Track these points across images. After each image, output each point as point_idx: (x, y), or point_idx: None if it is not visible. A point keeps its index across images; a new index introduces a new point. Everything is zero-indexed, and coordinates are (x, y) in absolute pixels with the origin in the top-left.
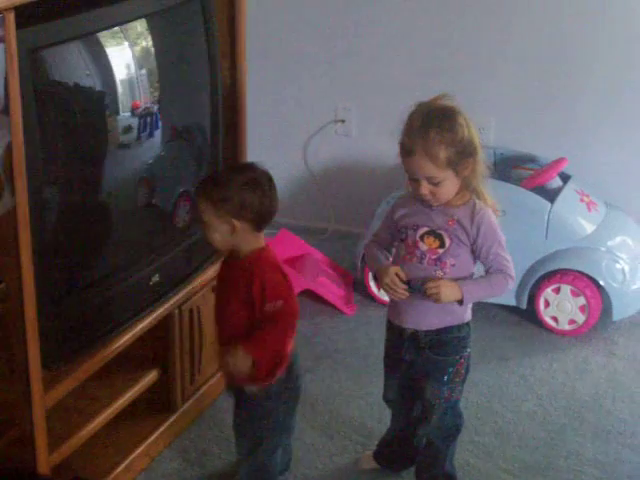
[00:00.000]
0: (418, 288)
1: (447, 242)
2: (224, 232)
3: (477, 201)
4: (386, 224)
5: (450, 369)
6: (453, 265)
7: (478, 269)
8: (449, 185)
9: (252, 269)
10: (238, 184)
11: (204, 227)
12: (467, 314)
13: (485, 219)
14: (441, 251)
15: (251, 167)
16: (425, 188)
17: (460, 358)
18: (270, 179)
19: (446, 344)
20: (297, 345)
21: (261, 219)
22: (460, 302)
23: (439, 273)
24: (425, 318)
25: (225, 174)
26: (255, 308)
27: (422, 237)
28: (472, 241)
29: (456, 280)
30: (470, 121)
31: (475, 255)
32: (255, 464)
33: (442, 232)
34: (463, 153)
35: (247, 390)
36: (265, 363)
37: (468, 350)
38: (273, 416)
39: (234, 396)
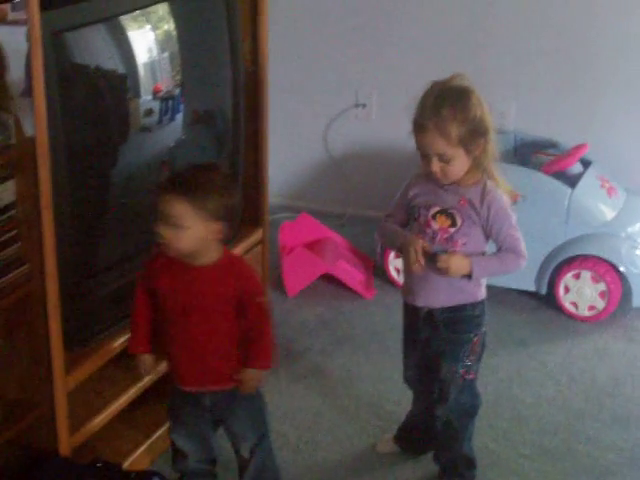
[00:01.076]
0: (430, 258)
1: (459, 221)
2: (197, 235)
3: (488, 182)
4: (400, 203)
5: (465, 347)
6: (464, 244)
7: (490, 248)
8: (459, 163)
9: (236, 268)
10: (218, 185)
11: (168, 229)
12: (480, 292)
13: (495, 199)
14: (452, 230)
15: (217, 167)
16: (436, 165)
17: (475, 336)
18: (234, 180)
19: (461, 322)
20: (317, 329)
21: (235, 222)
22: (469, 276)
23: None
24: (436, 296)
25: (200, 174)
26: (238, 308)
27: (434, 216)
28: (483, 221)
29: (467, 256)
30: (484, 101)
31: (486, 234)
32: (264, 455)
33: (454, 211)
34: (475, 132)
35: (244, 389)
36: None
37: (483, 329)
38: (265, 401)
39: (217, 405)
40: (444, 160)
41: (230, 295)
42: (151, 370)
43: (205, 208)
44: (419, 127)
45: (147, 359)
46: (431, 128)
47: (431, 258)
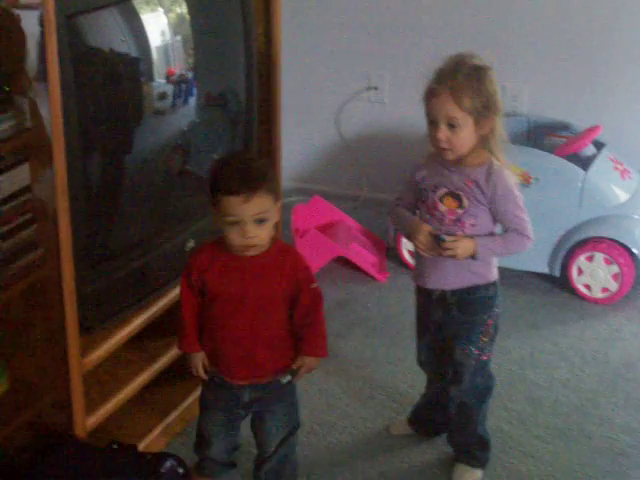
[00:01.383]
0: (437, 242)
1: (466, 202)
2: (273, 224)
3: (494, 161)
4: (408, 187)
5: (478, 328)
6: (473, 225)
7: (500, 229)
8: (466, 134)
9: (289, 256)
10: (267, 167)
11: (256, 226)
12: (492, 273)
13: (501, 179)
14: (460, 211)
15: (246, 153)
16: (443, 132)
17: (488, 317)
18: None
19: (473, 303)
20: (330, 311)
21: None
22: (473, 257)
23: (459, 233)
24: (447, 278)
25: (254, 163)
26: (292, 297)
27: (441, 198)
28: (489, 201)
29: (472, 237)
30: (497, 82)
31: (493, 215)
32: (288, 450)
33: (460, 193)
34: (486, 107)
35: (283, 380)
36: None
37: (496, 310)
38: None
39: (255, 401)
40: (452, 126)
41: (285, 283)
42: (203, 370)
43: (276, 193)
44: (432, 92)
45: (200, 357)
46: (444, 91)
47: (438, 241)
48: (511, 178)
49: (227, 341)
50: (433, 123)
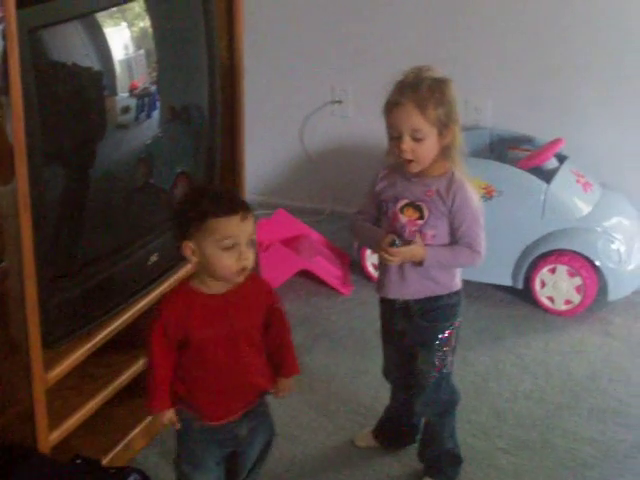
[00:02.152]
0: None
1: (426, 213)
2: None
3: (456, 172)
4: (369, 198)
5: (439, 335)
6: (434, 236)
7: None
8: (430, 145)
9: (256, 280)
10: None
11: (250, 249)
12: (454, 283)
13: (461, 190)
14: (421, 222)
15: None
16: (407, 144)
17: (450, 326)
18: None
19: (435, 311)
20: (294, 325)
21: None
22: (420, 263)
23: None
24: (410, 287)
25: (228, 188)
26: (266, 321)
27: (402, 209)
28: (449, 211)
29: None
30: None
31: (451, 226)
32: (258, 475)
33: (421, 203)
34: (449, 117)
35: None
36: None
37: (459, 319)
38: None
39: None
40: (416, 138)
41: (261, 309)
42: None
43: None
44: (394, 103)
45: (172, 412)
46: (409, 103)
47: (391, 246)
48: (471, 189)
49: (222, 381)
50: (396, 135)
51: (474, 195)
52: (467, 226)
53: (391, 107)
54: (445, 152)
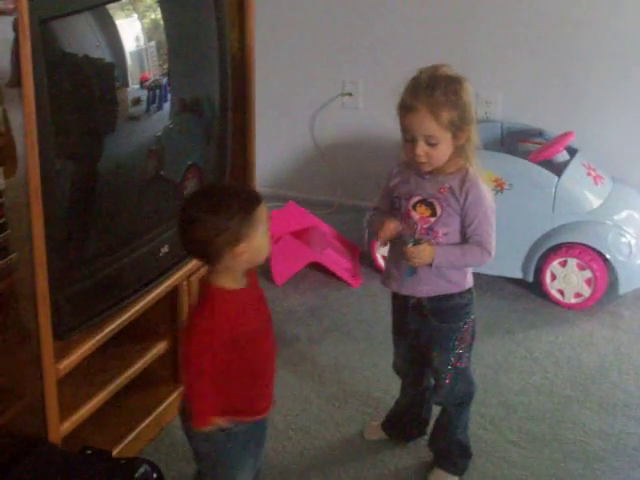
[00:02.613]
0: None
1: (438, 211)
2: None
3: (470, 169)
4: (383, 194)
5: (454, 336)
6: (445, 234)
7: None
8: (444, 148)
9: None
10: None
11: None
12: (466, 281)
13: (475, 187)
14: (433, 220)
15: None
16: (421, 149)
17: (464, 324)
18: None
19: (449, 311)
20: (305, 317)
21: None
22: (430, 264)
23: (432, 242)
24: (422, 285)
25: (228, 183)
26: None
27: (414, 206)
28: (462, 208)
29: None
30: (471, 91)
31: (462, 224)
32: None
33: (433, 200)
34: (463, 118)
35: None
36: None
37: (472, 316)
38: None
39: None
40: (431, 143)
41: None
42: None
43: None
44: (409, 108)
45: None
46: (422, 109)
47: (403, 244)
48: (485, 187)
49: (270, 368)
50: (410, 138)
51: (487, 194)
52: (478, 223)
53: (405, 111)
54: (459, 150)
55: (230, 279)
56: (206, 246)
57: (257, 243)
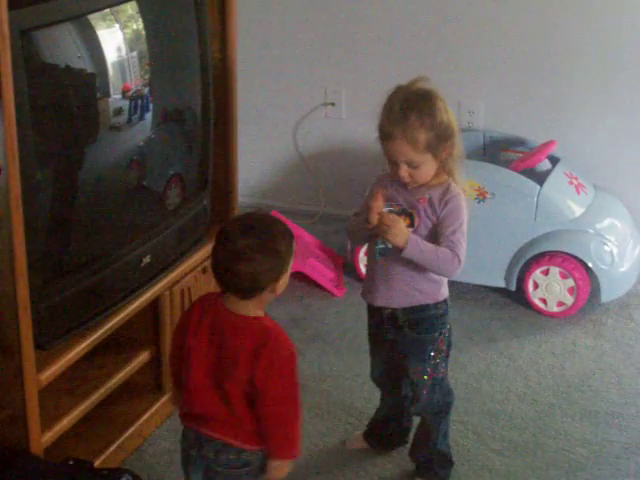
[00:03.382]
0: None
1: (416, 221)
2: None
3: (453, 184)
4: (365, 204)
5: (430, 347)
6: None
7: None
8: (427, 168)
9: None
10: None
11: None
12: (441, 292)
13: (454, 200)
14: (411, 230)
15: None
16: (404, 171)
17: (440, 335)
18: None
19: (424, 322)
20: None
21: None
22: (401, 250)
23: None
24: (395, 295)
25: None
26: None
27: (391, 211)
28: (437, 219)
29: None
30: (447, 104)
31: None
32: None
33: (412, 211)
34: (441, 137)
35: None
36: None
37: (447, 326)
38: None
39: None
40: (412, 166)
41: None
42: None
43: None
44: (386, 135)
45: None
46: (399, 136)
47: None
48: (464, 203)
49: None
50: (393, 162)
51: (464, 209)
52: (452, 232)
53: (383, 137)
54: (442, 164)
55: (261, 309)
56: (252, 281)
57: (288, 275)
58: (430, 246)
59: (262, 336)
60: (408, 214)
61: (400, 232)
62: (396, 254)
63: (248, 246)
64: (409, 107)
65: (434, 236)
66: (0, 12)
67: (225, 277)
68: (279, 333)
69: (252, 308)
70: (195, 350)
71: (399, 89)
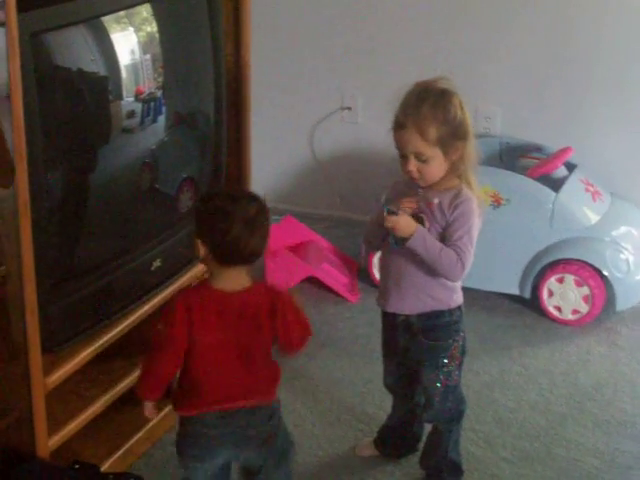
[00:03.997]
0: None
1: (427, 225)
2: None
3: (465, 189)
4: (379, 206)
5: (444, 354)
6: None
7: None
8: (436, 165)
9: None
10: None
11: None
12: (454, 299)
13: (464, 204)
14: None
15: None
16: (412, 164)
17: (453, 342)
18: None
19: (438, 329)
20: None
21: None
22: (406, 241)
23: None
24: (406, 301)
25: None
26: None
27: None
28: (447, 224)
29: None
30: (464, 105)
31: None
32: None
33: (422, 215)
34: (454, 134)
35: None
36: None
37: (461, 333)
38: None
39: None
40: (421, 160)
41: None
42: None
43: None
44: (398, 124)
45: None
46: (410, 126)
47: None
48: (475, 208)
49: None
50: (403, 155)
51: (474, 214)
52: (459, 237)
53: (395, 127)
54: (453, 167)
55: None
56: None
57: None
58: (436, 244)
59: (270, 294)
60: (418, 218)
61: (407, 223)
62: (406, 254)
63: (257, 210)
64: (424, 99)
65: (444, 241)
66: (9, 15)
67: (250, 245)
68: (276, 284)
69: (245, 276)
70: (215, 345)
71: (418, 84)
